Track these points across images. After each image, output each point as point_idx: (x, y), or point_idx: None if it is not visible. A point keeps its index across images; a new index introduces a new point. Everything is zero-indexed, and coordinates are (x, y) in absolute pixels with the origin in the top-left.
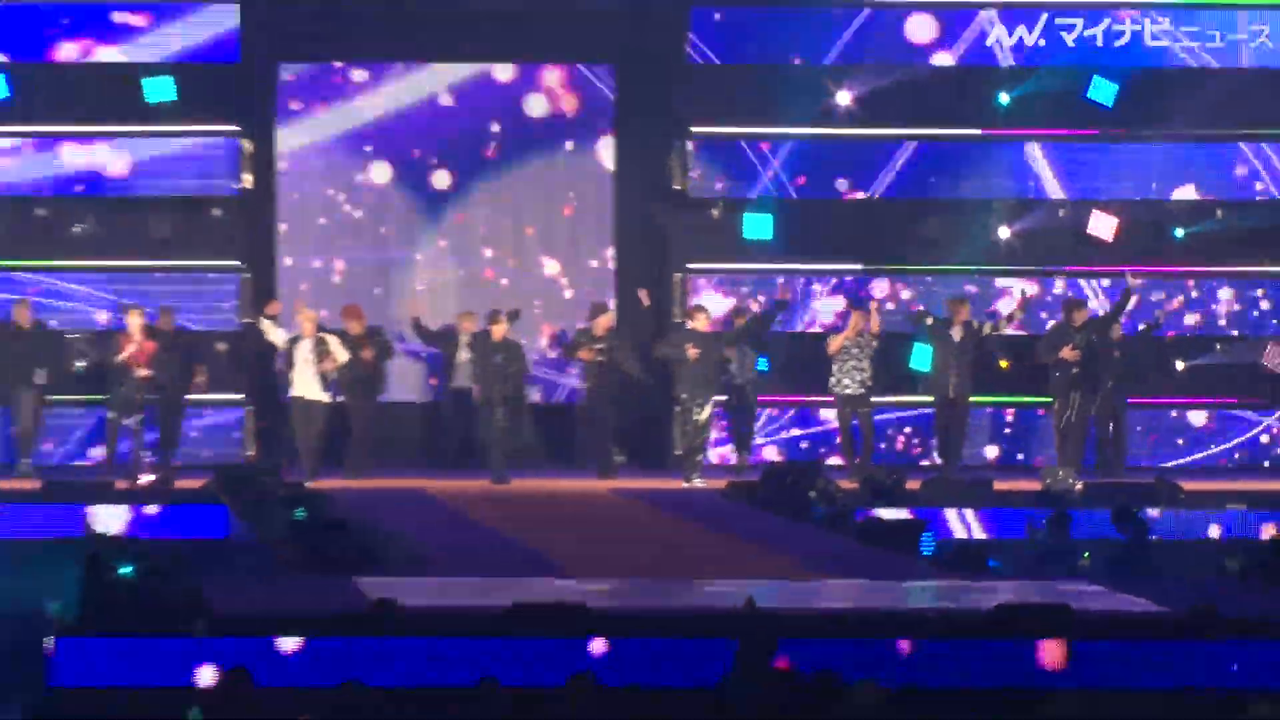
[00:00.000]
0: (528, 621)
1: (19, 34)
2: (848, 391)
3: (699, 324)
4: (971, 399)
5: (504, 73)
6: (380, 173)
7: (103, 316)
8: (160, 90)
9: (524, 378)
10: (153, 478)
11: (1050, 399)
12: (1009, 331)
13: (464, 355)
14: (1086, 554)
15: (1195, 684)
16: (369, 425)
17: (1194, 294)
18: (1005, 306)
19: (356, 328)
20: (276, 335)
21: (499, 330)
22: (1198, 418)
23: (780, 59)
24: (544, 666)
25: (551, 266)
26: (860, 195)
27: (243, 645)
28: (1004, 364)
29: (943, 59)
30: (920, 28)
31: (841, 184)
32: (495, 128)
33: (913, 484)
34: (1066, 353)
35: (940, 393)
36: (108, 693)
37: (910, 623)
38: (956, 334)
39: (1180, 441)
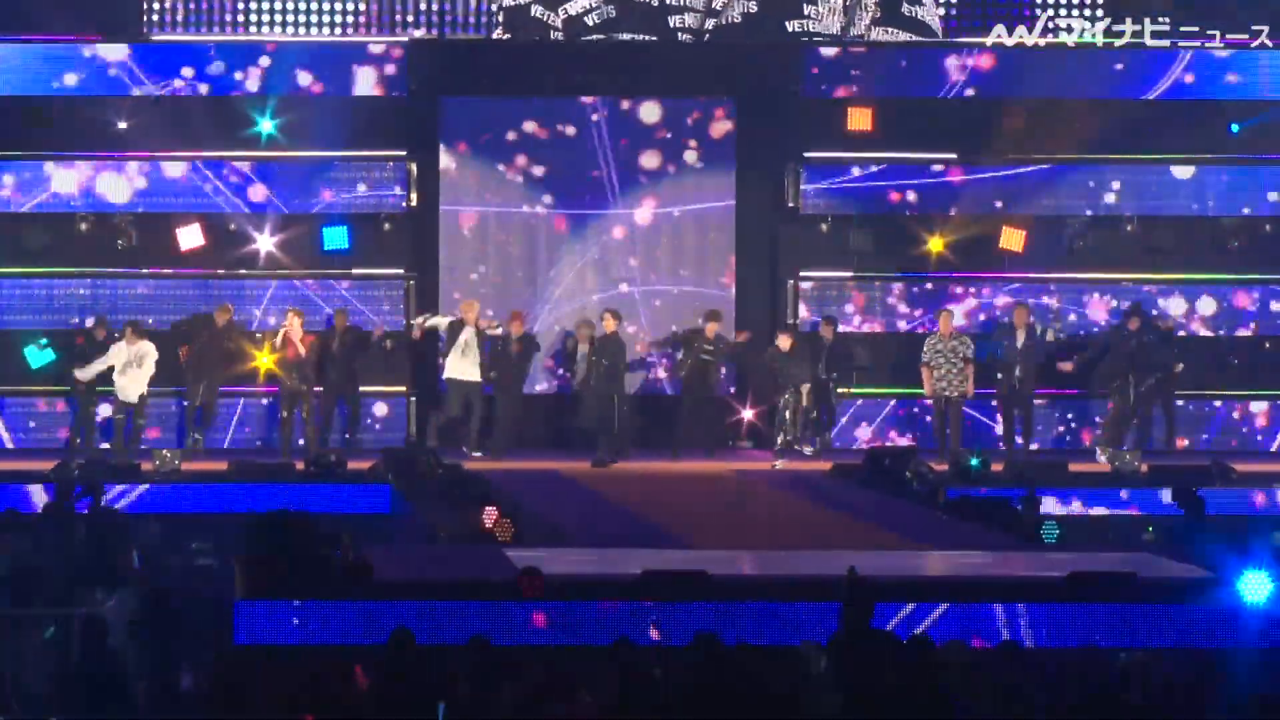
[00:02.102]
0: (656, 587)
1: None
2: (941, 386)
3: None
4: (1035, 391)
5: (640, 105)
6: (527, 193)
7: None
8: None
9: (620, 371)
10: (329, 459)
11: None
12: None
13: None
14: (1150, 529)
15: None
16: (514, 412)
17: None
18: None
19: (518, 329)
20: (439, 320)
21: (608, 326)
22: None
23: (879, 93)
24: (671, 627)
25: (679, 275)
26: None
27: (405, 608)
28: (1068, 367)
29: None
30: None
31: (934, 203)
32: (630, 152)
33: (996, 466)
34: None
35: (1007, 386)
36: (285, 649)
37: (995, 588)
38: (1020, 337)
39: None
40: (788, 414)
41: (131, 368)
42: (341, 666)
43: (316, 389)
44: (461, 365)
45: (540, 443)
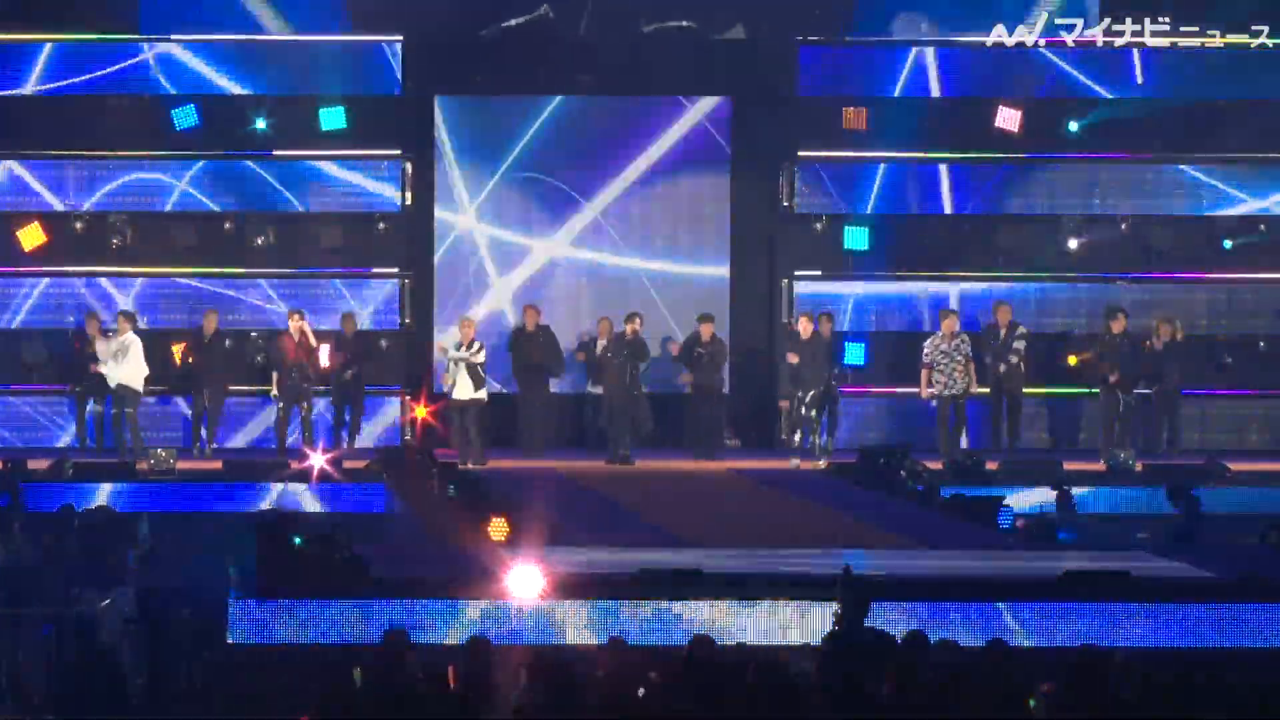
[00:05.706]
0: (653, 586)
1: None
2: (946, 391)
3: (802, 331)
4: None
5: (635, 103)
6: (526, 189)
7: (276, 318)
8: (333, 119)
9: (641, 371)
10: (323, 459)
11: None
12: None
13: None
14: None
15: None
16: (535, 413)
17: None
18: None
19: (532, 323)
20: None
21: (630, 329)
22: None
23: (876, 92)
24: (667, 626)
25: (674, 274)
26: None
27: (399, 606)
28: (1073, 359)
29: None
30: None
31: (929, 202)
32: (625, 150)
33: (991, 465)
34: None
35: (992, 387)
36: (279, 650)
37: (989, 587)
38: (1001, 335)
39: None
40: (803, 411)
41: (117, 357)
42: (339, 665)
43: (317, 388)
44: (460, 385)
45: (560, 442)
